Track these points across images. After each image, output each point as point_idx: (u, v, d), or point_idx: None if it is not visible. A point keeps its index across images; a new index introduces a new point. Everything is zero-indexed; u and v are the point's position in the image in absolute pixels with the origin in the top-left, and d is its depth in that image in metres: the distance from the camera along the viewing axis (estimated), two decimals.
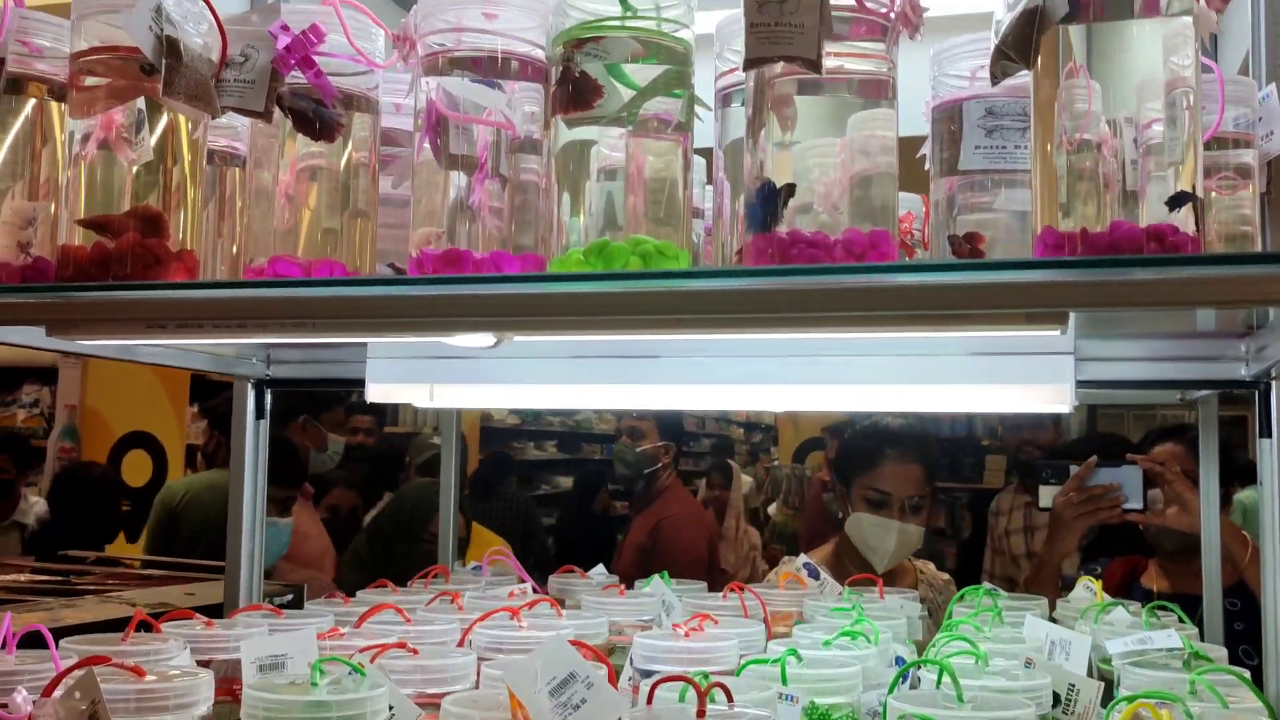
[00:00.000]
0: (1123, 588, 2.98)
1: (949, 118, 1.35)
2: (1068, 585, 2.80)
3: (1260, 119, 1.37)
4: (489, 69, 1.26)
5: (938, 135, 1.36)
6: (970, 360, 1.60)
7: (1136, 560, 3.12)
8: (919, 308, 1.07)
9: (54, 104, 1.40)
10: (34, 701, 1.26)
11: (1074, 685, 1.45)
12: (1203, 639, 1.98)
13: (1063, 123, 1.10)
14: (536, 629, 1.60)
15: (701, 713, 1.19)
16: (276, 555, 3.55)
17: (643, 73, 1.21)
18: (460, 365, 1.80)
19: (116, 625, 1.54)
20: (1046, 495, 2.87)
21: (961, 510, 5.52)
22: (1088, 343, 1.70)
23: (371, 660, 1.37)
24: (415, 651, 1.45)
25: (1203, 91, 1.13)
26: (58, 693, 1.21)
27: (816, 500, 5.16)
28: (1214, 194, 1.35)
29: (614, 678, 1.36)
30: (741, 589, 1.91)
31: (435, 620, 1.69)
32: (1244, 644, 2.64)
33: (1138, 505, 2.77)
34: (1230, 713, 1.29)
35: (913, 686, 1.43)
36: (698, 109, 1.26)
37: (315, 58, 1.28)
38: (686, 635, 1.56)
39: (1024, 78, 1.13)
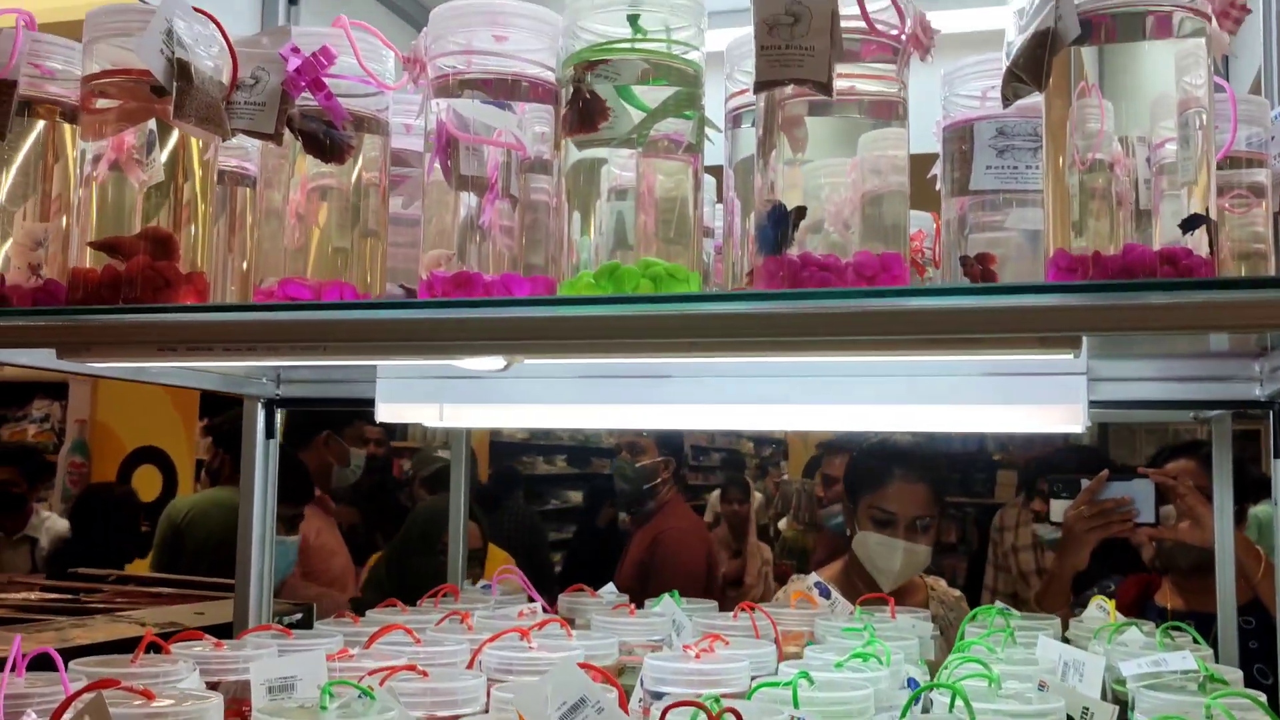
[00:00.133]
0: (1136, 606, 2.96)
1: (960, 138, 1.34)
2: (1080, 600, 2.79)
3: (1273, 138, 1.36)
4: (499, 90, 1.26)
5: (949, 155, 1.36)
6: (982, 380, 1.59)
7: (1150, 578, 3.10)
8: (931, 332, 1.07)
9: (66, 126, 1.40)
10: None
11: (1088, 709, 1.44)
12: (1217, 658, 1.97)
13: (1075, 142, 1.10)
14: (546, 650, 1.59)
15: None
16: (283, 573, 3.53)
17: (653, 94, 1.21)
18: (470, 385, 1.80)
19: (126, 646, 1.54)
20: (1057, 509, 2.85)
21: (971, 525, 5.49)
22: (1100, 363, 1.69)
23: (381, 683, 1.37)
24: (425, 674, 1.45)
25: (1215, 111, 1.13)
26: (67, 716, 1.21)
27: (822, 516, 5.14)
28: (1227, 212, 1.34)
29: (624, 700, 1.36)
30: (752, 609, 1.90)
31: (445, 641, 1.69)
32: (1259, 663, 2.62)
33: (1150, 519, 2.75)
34: None
35: (925, 710, 1.42)
36: (708, 130, 1.26)
37: (325, 80, 1.28)
38: (697, 656, 1.55)
39: (1035, 98, 1.12)
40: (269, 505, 2.11)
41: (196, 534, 4.22)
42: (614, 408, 1.87)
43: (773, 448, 9.43)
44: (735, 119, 1.38)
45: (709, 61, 1.25)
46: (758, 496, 6.01)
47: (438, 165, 1.27)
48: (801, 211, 1.12)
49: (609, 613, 1.94)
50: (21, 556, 4.95)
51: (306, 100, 1.28)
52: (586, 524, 6.34)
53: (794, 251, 1.12)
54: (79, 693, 1.26)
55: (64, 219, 1.38)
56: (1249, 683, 1.62)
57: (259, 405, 2.08)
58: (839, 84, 1.11)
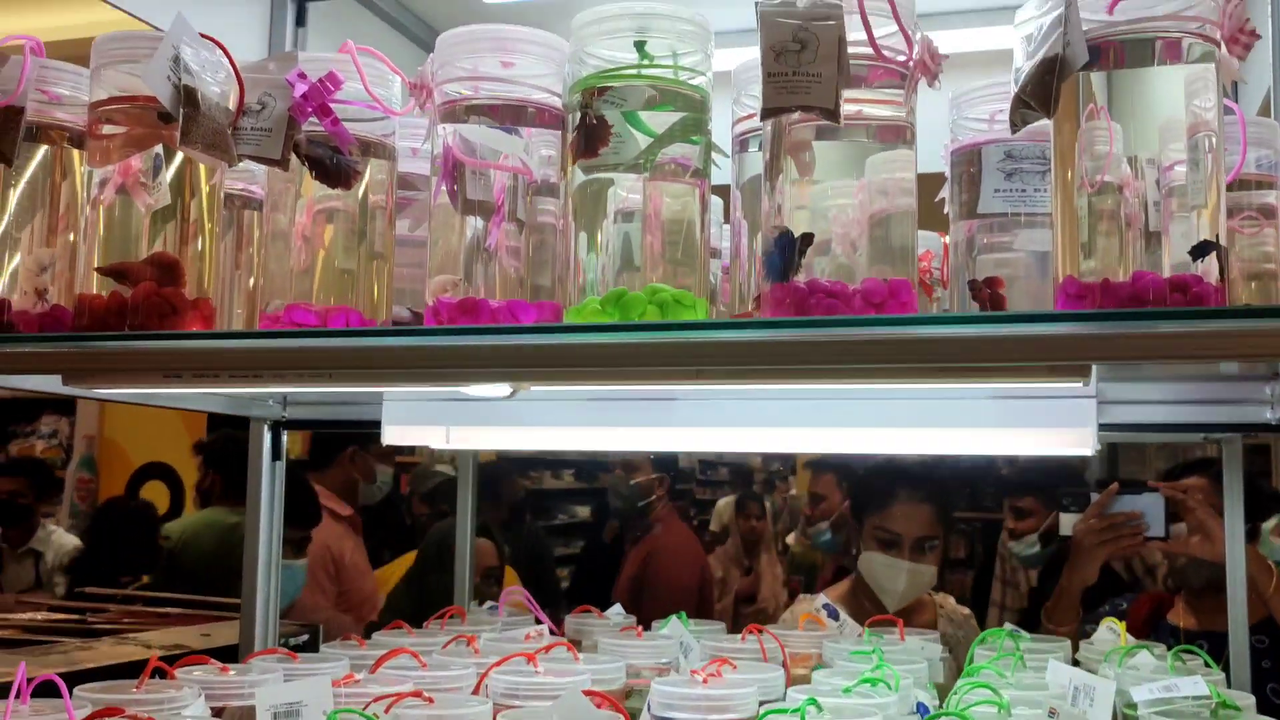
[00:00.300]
0: (1149, 624, 2.94)
1: (968, 161, 1.34)
2: (1092, 618, 2.77)
3: None
4: (506, 116, 1.26)
5: (957, 178, 1.36)
6: (991, 404, 1.58)
7: (1163, 596, 3.08)
8: (939, 360, 1.06)
9: (73, 151, 1.41)
10: None
11: None
12: (1229, 678, 1.95)
13: (1084, 164, 1.09)
14: (553, 674, 1.58)
15: None
16: (290, 597, 3.49)
17: (660, 120, 1.20)
18: (476, 407, 1.79)
19: (133, 669, 1.53)
20: (1066, 522, 2.84)
21: (979, 540, 5.47)
22: (1110, 386, 1.68)
23: (386, 710, 1.36)
24: (430, 700, 1.44)
25: (1225, 133, 1.12)
26: None
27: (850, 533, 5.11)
28: (1237, 233, 1.34)
29: None
30: (760, 631, 1.89)
31: (451, 665, 1.68)
32: (1272, 682, 2.61)
33: (1160, 533, 2.74)
34: None
35: None
36: (715, 156, 1.26)
37: (332, 105, 1.28)
38: (705, 681, 1.54)
39: (1044, 121, 1.12)
40: (275, 527, 2.11)
41: (190, 556, 4.20)
42: (622, 430, 1.86)
43: (780, 462, 9.40)
44: (742, 142, 1.38)
45: (717, 80, 1.25)
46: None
47: (444, 189, 1.26)
48: (808, 238, 1.12)
49: (616, 635, 1.93)
50: (26, 570, 4.92)
51: (313, 126, 1.28)
52: (594, 539, 6.32)
53: (801, 278, 1.12)
54: None
55: (71, 243, 1.39)
56: (1262, 705, 1.61)
57: (265, 427, 2.08)
58: (846, 108, 1.11)
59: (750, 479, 7.86)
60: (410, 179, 1.44)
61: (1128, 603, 3.13)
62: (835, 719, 1.41)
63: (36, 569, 4.96)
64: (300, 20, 2.11)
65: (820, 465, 4.85)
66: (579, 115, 1.20)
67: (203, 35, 1.27)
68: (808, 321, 1.07)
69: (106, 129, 1.32)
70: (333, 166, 1.28)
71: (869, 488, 3.04)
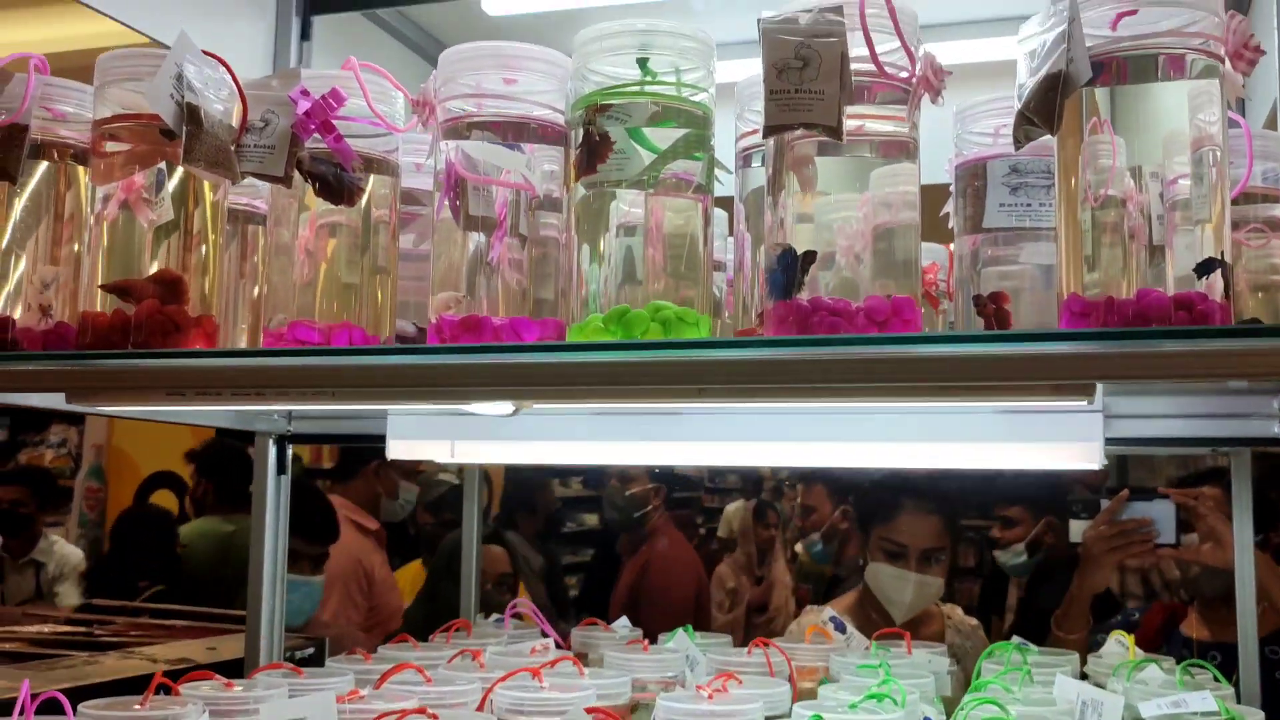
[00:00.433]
0: (1162, 635, 2.92)
1: (972, 175, 1.34)
2: (1103, 627, 2.75)
3: None
4: (509, 132, 1.26)
5: (961, 192, 1.35)
6: (997, 418, 1.57)
7: (1176, 607, 3.06)
8: (942, 379, 1.06)
9: (77, 168, 1.41)
10: None
11: None
12: (1239, 692, 1.93)
13: (1088, 178, 1.09)
14: (558, 689, 1.58)
15: None
16: (308, 614, 3.43)
17: (663, 136, 1.20)
18: (481, 422, 1.79)
19: (138, 684, 1.53)
20: (1076, 529, 2.83)
21: (987, 549, 5.45)
22: (1117, 400, 1.67)
23: None
24: (435, 716, 1.43)
25: (1230, 147, 1.12)
26: None
27: (841, 544, 5.09)
28: (1243, 246, 1.33)
29: None
30: (766, 644, 1.88)
31: (456, 680, 1.67)
32: None
33: (1170, 540, 2.72)
34: None
35: None
36: (718, 172, 1.25)
37: (335, 122, 1.28)
38: (710, 697, 1.53)
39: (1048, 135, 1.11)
40: (280, 541, 2.10)
41: (190, 566, 4.20)
42: (627, 444, 1.86)
43: (789, 470, 9.36)
44: (746, 157, 1.38)
45: (721, 91, 1.25)
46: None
47: (447, 205, 1.26)
48: (811, 256, 1.11)
49: (622, 648, 1.92)
50: (27, 580, 4.83)
51: (316, 143, 1.28)
52: (602, 547, 6.30)
53: (804, 295, 1.11)
54: None
55: (74, 259, 1.39)
56: (1273, 719, 1.60)
57: (270, 441, 2.08)
58: (849, 124, 1.10)
59: (760, 486, 7.85)
60: (414, 194, 1.44)
61: (1140, 613, 3.12)
62: None
63: (37, 580, 4.91)
64: (305, 34, 2.11)
65: (810, 477, 4.84)
66: (582, 131, 1.20)
67: (206, 52, 1.28)
68: (810, 340, 1.07)
69: (110, 146, 1.32)
70: (336, 183, 1.29)
71: (874, 499, 3.03)
